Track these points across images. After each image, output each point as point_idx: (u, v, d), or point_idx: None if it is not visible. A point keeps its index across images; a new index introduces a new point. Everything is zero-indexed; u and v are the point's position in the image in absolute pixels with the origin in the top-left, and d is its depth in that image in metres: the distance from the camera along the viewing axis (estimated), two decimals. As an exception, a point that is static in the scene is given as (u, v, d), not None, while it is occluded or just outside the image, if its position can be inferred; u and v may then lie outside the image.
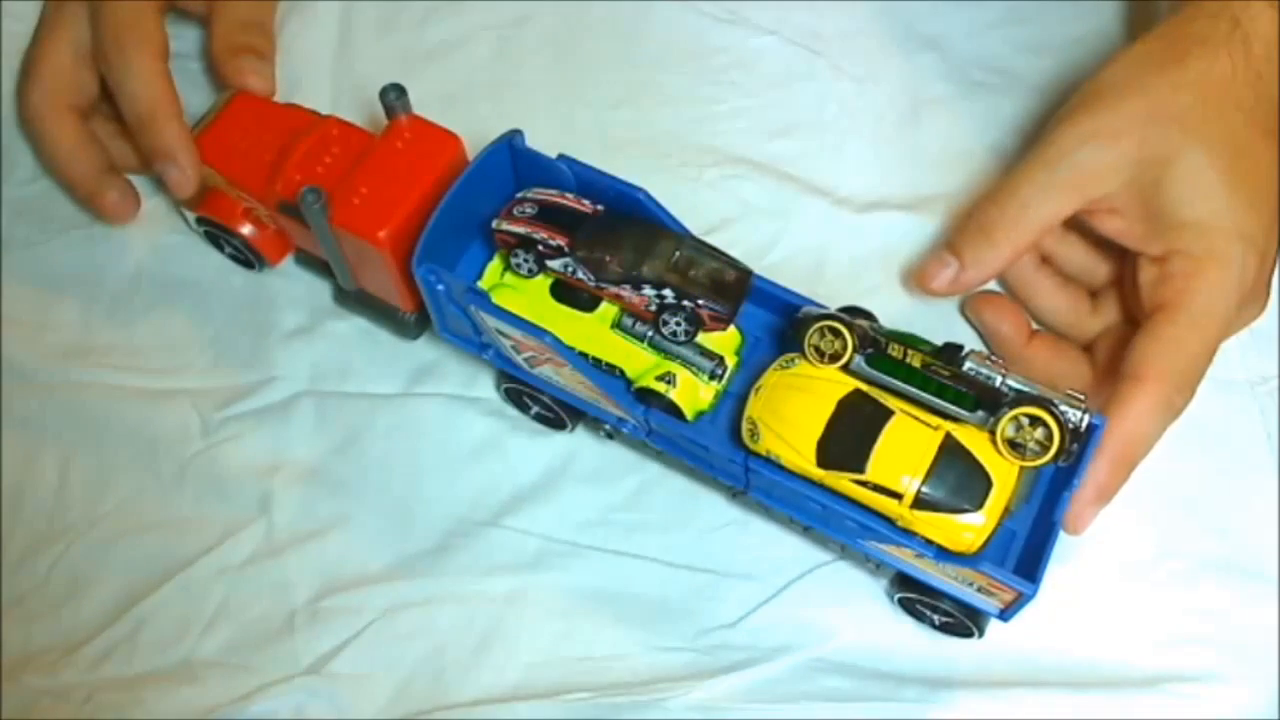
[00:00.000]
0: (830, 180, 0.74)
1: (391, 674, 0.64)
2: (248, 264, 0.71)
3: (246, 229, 0.69)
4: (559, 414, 0.66)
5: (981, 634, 0.60)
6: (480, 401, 0.69)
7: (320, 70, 0.77)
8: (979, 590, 0.56)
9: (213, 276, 0.72)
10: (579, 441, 0.68)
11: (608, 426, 0.64)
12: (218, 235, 0.70)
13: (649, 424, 0.60)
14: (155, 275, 0.73)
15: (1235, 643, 0.62)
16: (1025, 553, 0.58)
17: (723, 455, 0.59)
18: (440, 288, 0.59)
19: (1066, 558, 0.63)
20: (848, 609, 0.64)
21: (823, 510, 0.57)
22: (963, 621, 0.60)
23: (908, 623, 0.63)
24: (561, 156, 0.62)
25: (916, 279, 0.65)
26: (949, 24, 0.78)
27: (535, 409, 0.67)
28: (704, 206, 0.71)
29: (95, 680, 0.64)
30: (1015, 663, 0.62)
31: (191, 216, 0.70)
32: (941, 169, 0.73)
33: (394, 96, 0.62)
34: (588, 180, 0.62)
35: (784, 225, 0.72)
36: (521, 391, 0.66)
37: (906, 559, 0.57)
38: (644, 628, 0.64)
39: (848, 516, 0.56)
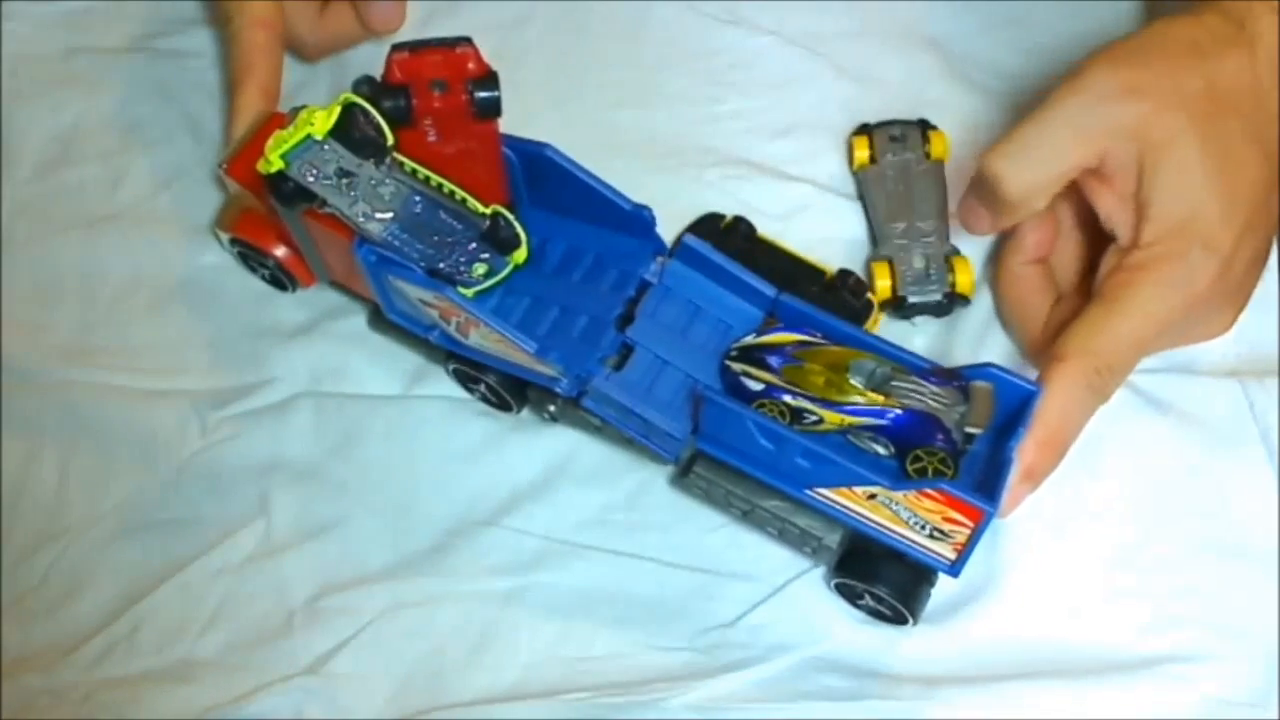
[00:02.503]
0: (831, 181, 0.74)
1: (390, 674, 0.64)
2: (281, 286, 0.71)
3: (280, 250, 0.68)
4: (504, 396, 0.66)
5: (915, 621, 0.61)
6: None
7: (321, 72, 0.77)
8: (931, 534, 0.56)
9: (212, 276, 0.73)
10: (578, 441, 0.68)
11: (551, 409, 0.64)
12: (250, 257, 0.70)
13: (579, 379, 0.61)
14: (155, 275, 0.73)
15: (1226, 621, 0.63)
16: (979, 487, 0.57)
17: (663, 398, 0.60)
18: (372, 259, 0.60)
19: (1054, 548, 0.64)
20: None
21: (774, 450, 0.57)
22: (897, 609, 0.60)
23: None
24: (547, 145, 0.62)
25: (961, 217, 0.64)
26: (949, 24, 0.78)
27: (479, 390, 0.67)
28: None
29: (94, 680, 0.64)
30: (1010, 657, 0.62)
31: (225, 237, 0.70)
32: (942, 169, 0.73)
33: (368, 90, 0.62)
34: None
35: (784, 226, 0.72)
36: (467, 373, 0.66)
37: (858, 504, 0.57)
38: (642, 627, 0.64)
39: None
